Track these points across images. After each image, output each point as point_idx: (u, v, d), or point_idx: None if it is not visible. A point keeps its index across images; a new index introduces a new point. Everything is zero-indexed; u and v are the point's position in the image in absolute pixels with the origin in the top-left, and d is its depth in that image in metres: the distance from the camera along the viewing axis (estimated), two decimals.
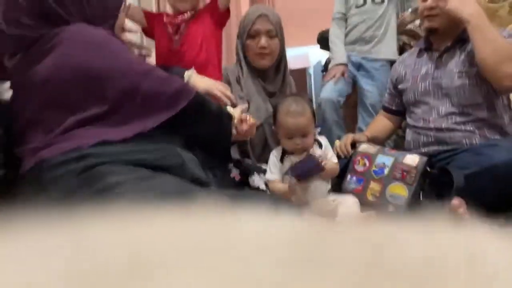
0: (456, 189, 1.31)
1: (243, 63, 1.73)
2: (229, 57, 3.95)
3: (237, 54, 1.77)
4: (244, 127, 1.21)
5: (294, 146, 1.51)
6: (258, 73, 1.73)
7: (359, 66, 2.22)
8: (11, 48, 0.98)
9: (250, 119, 1.26)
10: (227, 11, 1.70)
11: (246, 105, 1.39)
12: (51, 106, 0.92)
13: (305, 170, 1.42)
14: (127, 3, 1.18)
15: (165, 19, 1.65)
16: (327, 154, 1.58)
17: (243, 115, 1.23)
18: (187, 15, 1.63)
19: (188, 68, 1.40)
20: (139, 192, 0.78)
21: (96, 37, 0.95)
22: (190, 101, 1.00)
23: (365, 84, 2.19)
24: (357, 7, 2.22)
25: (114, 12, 1.07)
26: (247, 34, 1.69)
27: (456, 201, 1.28)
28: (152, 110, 0.96)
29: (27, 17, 0.96)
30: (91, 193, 0.79)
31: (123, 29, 1.17)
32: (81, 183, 0.80)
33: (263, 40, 1.67)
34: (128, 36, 1.61)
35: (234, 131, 1.19)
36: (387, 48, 2.20)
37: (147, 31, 1.71)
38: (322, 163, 1.43)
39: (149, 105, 0.95)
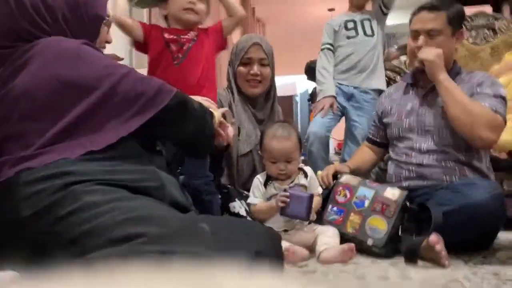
0: (435, 226, 1.31)
1: (234, 90, 1.75)
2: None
3: (228, 80, 1.79)
4: (224, 131, 1.22)
5: (278, 172, 1.53)
6: (249, 100, 1.75)
7: (350, 97, 2.22)
8: None
9: (228, 126, 1.27)
10: (226, 41, 1.68)
11: (226, 109, 1.40)
12: (30, 119, 0.91)
13: (310, 209, 1.45)
14: (111, 18, 1.16)
15: (166, 35, 1.56)
16: (312, 185, 1.59)
17: (223, 120, 1.24)
18: (190, 35, 1.57)
19: (185, 87, 1.40)
20: (114, 214, 0.76)
21: (69, 47, 0.95)
22: (172, 99, 0.98)
23: (355, 116, 2.20)
24: (348, 38, 2.26)
25: (93, 31, 1.07)
26: (239, 61, 1.71)
27: (433, 237, 1.29)
28: (133, 112, 0.94)
29: (3, 38, 0.97)
30: (62, 215, 0.77)
31: (107, 42, 1.16)
32: (55, 202, 0.79)
33: (256, 68, 1.70)
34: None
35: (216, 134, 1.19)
36: (378, 79, 2.24)
37: (140, 45, 1.62)
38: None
39: (129, 107, 0.94)
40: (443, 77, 1.55)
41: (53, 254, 0.78)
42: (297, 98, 8.43)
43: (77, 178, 0.82)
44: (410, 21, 1.69)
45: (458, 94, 1.52)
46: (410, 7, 1.76)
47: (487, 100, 1.52)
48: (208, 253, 0.72)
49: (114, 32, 2.90)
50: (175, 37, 1.55)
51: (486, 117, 1.48)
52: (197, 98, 1.33)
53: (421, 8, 1.64)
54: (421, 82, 1.70)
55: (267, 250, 0.98)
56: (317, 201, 1.56)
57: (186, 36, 1.55)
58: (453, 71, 1.63)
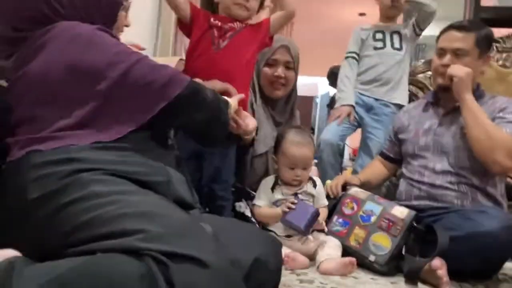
0: (440, 250, 1.29)
1: (256, 90, 1.74)
2: None
3: (252, 80, 1.78)
4: (242, 119, 1.19)
5: (294, 177, 1.53)
6: (269, 102, 1.75)
7: (370, 108, 2.19)
8: (6, 50, 0.98)
9: (248, 115, 1.24)
10: (271, 39, 1.59)
11: (242, 95, 1.39)
12: (43, 104, 0.91)
13: (311, 223, 1.44)
14: (128, 2, 1.14)
15: (212, 19, 1.50)
16: (320, 194, 1.59)
17: (240, 108, 1.21)
18: (236, 25, 1.50)
19: (217, 75, 1.38)
20: (115, 207, 0.77)
21: (83, 33, 0.94)
22: (185, 88, 0.96)
23: (372, 128, 2.18)
24: (375, 49, 2.22)
25: (111, 16, 1.06)
26: (265, 61, 1.70)
27: (437, 261, 1.27)
28: (144, 102, 0.93)
29: (20, 22, 0.97)
30: (65, 202, 0.78)
31: (126, 25, 1.15)
32: (61, 188, 0.79)
33: (280, 70, 1.69)
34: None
35: (232, 122, 1.16)
36: (401, 94, 2.20)
37: (184, 26, 1.54)
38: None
39: (140, 97, 0.93)
40: (469, 97, 1.52)
41: (51, 243, 0.79)
42: (318, 100, 8.38)
43: (85, 165, 0.82)
44: (438, 37, 1.66)
45: (480, 116, 1.49)
46: (442, 20, 1.72)
47: (508, 126, 1.49)
48: (206, 256, 0.72)
49: (139, 22, 2.91)
50: (220, 23, 1.49)
51: (506, 143, 1.45)
52: (215, 85, 1.33)
53: (450, 27, 1.62)
54: (442, 101, 1.68)
55: (267, 256, 0.98)
56: (323, 213, 1.57)
57: (231, 24, 1.49)
58: (476, 94, 1.59)
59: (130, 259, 0.70)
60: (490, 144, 1.46)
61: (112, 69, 0.91)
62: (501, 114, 1.53)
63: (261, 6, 1.56)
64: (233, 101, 1.16)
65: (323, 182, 1.72)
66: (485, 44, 1.60)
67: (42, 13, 0.97)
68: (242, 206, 1.51)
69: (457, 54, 1.57)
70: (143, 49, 1.65)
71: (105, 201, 0.77)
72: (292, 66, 1.72)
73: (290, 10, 1.54)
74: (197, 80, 1.17)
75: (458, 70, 1.53)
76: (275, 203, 1.53)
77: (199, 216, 0.98)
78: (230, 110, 1.12)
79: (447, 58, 1.58)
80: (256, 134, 1.66)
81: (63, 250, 0.76)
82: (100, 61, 0.91)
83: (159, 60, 2.00)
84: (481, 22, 1.66)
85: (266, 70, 1.71)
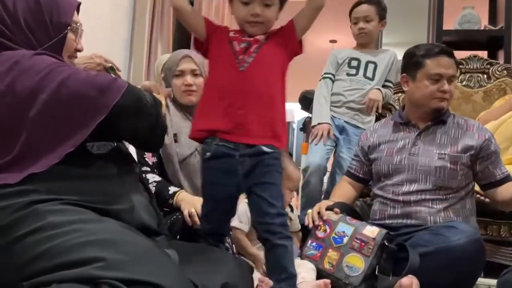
0: (410, 269, 1.30)
1: (169, 103, 1.75)
2: None
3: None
4: None
5: (290, 199, 1.62)
6: (187, 109, 1.76)
7: (342, 129, 2.24)
8: None
9: None
10: (301, 44, 1.36)
11: (169, 89, 1.31)
12: None
13: None
14: (78, 24, 1.10)
15: (231, 34, 1.30)
16: (295, 219, 1.63)
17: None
18: (260, 36, 1.29)
19: (250, 99, 1.22)
20: (75, 236, 0.75)
21: (21, 59, 0.91)
22: (122, 96, 0.91)
23: (344, 148, 2.19)
24: (348, 75, 2.27)
25: (58, 38, 1.02)
26: (172, 74, 1.73)
27: (406, 280, 1.27)
28: (81, 115, 0.89)
29: None
30: (22, 234, 0.76)
31: (77, 50, 1.11)
32: (17, 220, 0.77)
33: (188, 78, 1.71)
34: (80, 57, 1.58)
35: None
36: (368, 117, 2.25)
37: (200, 44, 1.34)
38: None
39: (77, 110, 0.89)
40: None
41: (8, 276, 0.76)
42: (294, 125, 8.48)
43: (41, 196, 0.80)
44: (419, 62, 1.67)
45: None
46: (408, 44, 1.78)
47: (502, 165, 1.64)
48: (165, 282, 0.71)
49: (112, 49, 2.93)
50: (241, 36, 1.29)
51: None
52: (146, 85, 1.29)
53: (441, 52, 1.64)
54: (414, 121, 1.71)
55: (236, 282, 0.97)
56: (297, 237, 1.62)
57: (254, 37, 1.29)
58: (446, 114, 1.69)
59: None
60: None
61: (42, 90, 0.87)
62: (491, 150, 1.62)
63: (281, 8, 1.33)
64: (162, 98, 1.16)
65: (306, 208, 1.73)
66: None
67: None
68: None
69: (451, 80, 1.63)
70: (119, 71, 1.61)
71: (63, 231, 0.76)
72: (199, 72, 1.74)
73: (321, 2, 1.28)
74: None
75: None
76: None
77: (165, 243, 0.97)
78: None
79: (446, 85, 1.62)
80: (176, 141, 1.66)
81: (20, 282, 0.74)
82: (29, 85, 0.88)
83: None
84: None
85: (175, 81, 1.73)
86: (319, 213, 1.62)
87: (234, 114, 1.20)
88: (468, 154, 1.59)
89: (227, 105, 1.21)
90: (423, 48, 1.69)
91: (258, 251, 1.49)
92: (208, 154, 1.22)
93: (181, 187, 1.62)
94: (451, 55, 1.65)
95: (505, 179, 1.61)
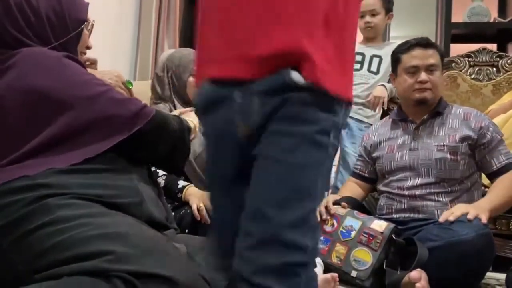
0: (418, 263, 1.30)
1: (178, 101, 1.75)
2: None
3: (169, 91, 1.75)
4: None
5: None
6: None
7: (345, 124, 2.25)
8: None
9: None
10: None
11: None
12: (3, 132, 0.89)
13: None
14: (91, 21, 1.13)
15: None
16: None
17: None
18: None
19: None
20: (84, 230, 0.76)
21: (49, 60, 0.93)
22: (147, 123, 0.95)
23: (348, 143, 2.21)
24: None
25: (75, 34, 1.04)
26: (190, 73, 1.72)
27: (415, 273, 1.27)
28: (104, 134, 0.92)
29: None
30: (32, 228, 0.77)
31: (88, 47, 1.14)
32: (27, 214, 0.78)
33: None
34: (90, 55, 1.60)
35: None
36: (372, 113, 2.24)
37: None
38: None
39: (99, 129, 0.91)
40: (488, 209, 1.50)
41: (19, 269, 0.77)
42: None
43: (51, 191, 0.81)
44: (397, 58, 1.72)
45: (500, 201, 1.54)
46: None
47: (502, 153, 1.59)
48: (174, 274, 0.71)
49: (118, 46, 2.92)
50: None
51: None
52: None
53: (415, 45, 1.66)
54: (410, 117, 1.72)
55: None
56: None
57: None
58: (441, 105, 1.69)
59: (97, 281, 0.69)
60: None
61: (76, 99, 0.90)
62: (488, 137, 1.59)
63: None
64: (195, 120, 1.17)
65: None
66: (443, 59, 1.72)
67: (8, 32, 0.95)
68: None
69: (431, 70, 1.64)
70: (94, 61, 1.63)
71: (72, 224, 0.76)
72: None
73: None
74: None
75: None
76: None
77: (174, 237, 0.97)
78: (194, 131, 1.15)
79: (423, 75, 1.63)
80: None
81: (31, 275, 0.75)
82: (61, 90, 0.90)
83: (140, 84, 2.00)
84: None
85: (191, 80, 1.72)
86: (326, 207, 1.62)
87: None
88: (466, 143, 1.59)
89: None
90: (400, 44, 1.74)
91: None
92: None
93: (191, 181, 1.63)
94: (428, 46, 1.66)
95: (500, 171, 1.58)
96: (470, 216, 1.40)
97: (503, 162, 1.58)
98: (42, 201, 0.79)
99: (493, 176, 1.60)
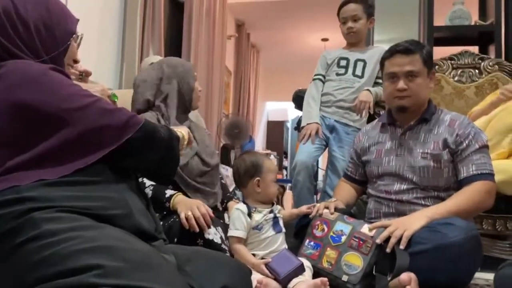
0: (398, 270, 1.31)
1: (173, 107, 1.74)
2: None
3: (164, 100, 1.73)
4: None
5: (276, 190, 1.65)
6: (187, 113, 1.80)
7: (332, 129, 2.26)
8: None
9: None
10: None
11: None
12: None
13: (291, 275, 1.39)
14: (80, 35, 1.13)
15: None
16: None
17: (191, 136, 1.25)
18: None
19: None
20: (72, 244, 0.74)
21: (34, 73, 0.91)
22: (137, 132, 0.95)
23: (336, 147, 2.23)
24: (337, 74, 2.30)
25: (64, 46, 1.03)
26: (194, 78, 1.77)
27: (405, 276, 1.27)
28: (94, 145, 0.91)
29: None
30: (19, 243, 0.75)
31: (75, 61, 1.12)
32: (13, 229, 0.76)
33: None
34: (79, 68, 1.60)
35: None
36: (359, 117, 2.26)
37: None
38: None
39: (90, 140, 0.91)
40: (428, 217, 1.46)
41: (6, 285, 0.75)
42: (289, 124, 8.49)
43: (37, 204, 0.79)
44: (383, 64, 1.73)
45: (452, 210, 1.48)
46: (399, 41, 1.79)
47: (474, 162, 1.55)
48: (164, 287, 0.70)
49: (103, 56, 2.91)
50: None
51: (479, 202, 1.52)
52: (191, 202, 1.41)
53: (395, 51, 1.67)
54: (398, 122, 1.73)
55: (234, 284, 0.96)
56: None
57: None
58: (429, 111, 1.67)
59: None
60: (474, 211, 1.56)
61: (64, 111, 0.89)
62: (465, 144, 1.57)
63: None
64: (184, 132, 1.17)
65: (299, 206, 1.74)
66: (430, 62, 1.68)
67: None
68: (211, 233, 1.48)
69: (410, 76, 1.63)
70: (89, 73, 1.63)
71: (60, 238, 0.75)
72: None
73: None
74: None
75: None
76: (257, 227, 1.53)
77: (162, 247, 0.96)
78: (183, 143, 1.15)
79: (401, 83, 1.63)
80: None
81: None
82: (49, 103, 0.89)
83: (125, 92, 1.99)
84: (419, 42, 1.73)
85: (197, 85, 1.78)
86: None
87: None
88: (447, 150, 1.59)
89: None
90: (387, 49, 1.73)
91: (257, 260, 1.48)
92: None
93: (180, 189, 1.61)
94: (409, 52, 1.63)
95: (465, 180, 1.55)
96: (392, 239, 1.39)
97: (471, 173, 1.54)
98: (27, 215, 0.78)
99: (460, 185, 1.57)
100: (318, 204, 1.70)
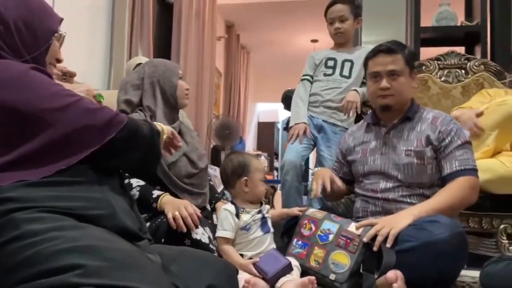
0: (384, 268, 1.32)
1: (160, 100, 1.74)
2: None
3: (153, 97, 1.74)
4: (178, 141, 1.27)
5: (264, 189, 1.65)
6: (176, 112, 1.80)
7: (320, 128, 2.28)
8: None
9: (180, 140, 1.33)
10: None
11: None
12: None
13: (279, 274, 1.39)
14: (63, 33, 1.11)
15: None
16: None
17: (173, 131, 1.27)
18: None
19: None
20: (53, 244, 0.73)
21: (15, 73, 0.90)
22: (120, 131, 0.95)
23: (324, 147, 2.25)
24: (325, 75, 2.32)
25: (45, 44, 1.02)
26: (178, 76, 1.77)
27: (391, 274, 1.28)
28: (78, 146, 0.91)
29: None
30: (2, 242, 0.74)
31: (58, 60, 1.11)
32: None
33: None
34: (64, 68, 1.59)
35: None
36: (347, 118, 2.28)
37: None
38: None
39: (71, 141, 0.90)
40: (414, 215, 1.46)
41: None
42: (279, 125, 8.51)
43: (18, 204, 0.78)
44: (366, 64, 1.75)
45: (437, 207, 1.49)
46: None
47: (457, 158, 1.56)
48: (147, 286, 0.70)
49: (92, 57, 2.89)
50: None
51: (463, 198, 1.53)
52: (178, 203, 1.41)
53: (378, 51, 1.69)
54: (383, 121, 1.75)
55: (221, 284, 0.96)
56: None
57: None
58: (412, 110, 1.70)
59: None
60: (459, 207, 1.57)
61: (46, 111, 0.88)
62: (447, 140, 1.59)
63: None
64: (165, 128, 1.18)
65: (288, 207, 1.75)
66: (413, 62, 1.71)
67: None
68: (198, 233, 1.47)
69: (392, 75, 1.66)
70: (74, 74, 1.62)
71: (41, 238, 0.74)
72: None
73: None
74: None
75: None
76: (245, 228, 1.53)
77: (147, 247, 0.96)
78: (163, 137, 1.16)
79: (384, 82, 1.66)
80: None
81: None
82: (31, 103, 0.88)
83: (112, 93, 1.98)
84: (402, 43, 1.75)
85: (181, 82, 1.77)
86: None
87: None
88: (430, 147, 1.61)
89: None
90: (370, 50, 1.75)
91: (245, 260, 1.48)
92: None
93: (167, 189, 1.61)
94: (391, 52, 1.66)
95: (449, 176, 1.56)
96: (379, 238, 1.40)
97: (454, 169, 1.56)
98: (8, 215, 0.77)
99: (444, 181, 1.58)
100: (324, 176, 1.73)
